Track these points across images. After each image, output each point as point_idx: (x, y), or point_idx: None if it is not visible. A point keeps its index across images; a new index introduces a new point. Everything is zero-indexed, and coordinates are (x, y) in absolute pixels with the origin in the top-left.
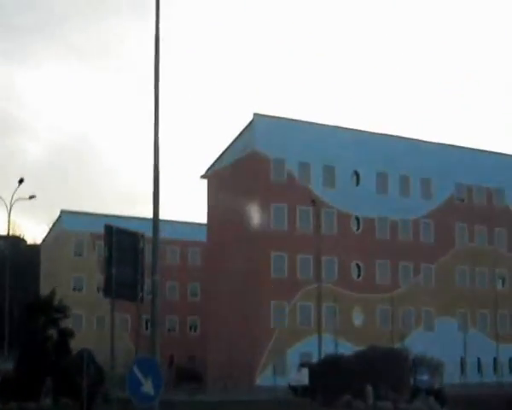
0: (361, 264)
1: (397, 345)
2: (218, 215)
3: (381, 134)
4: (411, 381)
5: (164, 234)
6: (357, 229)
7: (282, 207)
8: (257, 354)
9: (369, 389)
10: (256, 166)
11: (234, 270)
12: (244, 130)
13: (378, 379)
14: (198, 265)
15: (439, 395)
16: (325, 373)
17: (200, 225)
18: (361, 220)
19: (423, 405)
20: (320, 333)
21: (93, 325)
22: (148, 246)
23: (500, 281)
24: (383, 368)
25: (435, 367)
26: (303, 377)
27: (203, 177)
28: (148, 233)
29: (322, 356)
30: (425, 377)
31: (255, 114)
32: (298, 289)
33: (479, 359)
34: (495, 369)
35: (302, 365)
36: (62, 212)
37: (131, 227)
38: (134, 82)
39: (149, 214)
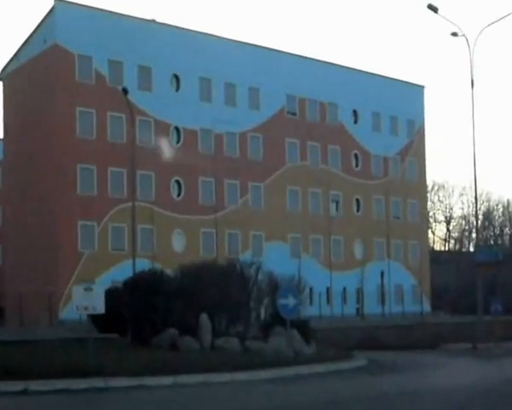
0: (182, 181)
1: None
2: (16, 125)
3: (205, 33)
4: (264, 309)
5: None
6: (178, 141)
7: (90, 112)
8: (62, 283)
9: (205, 320)
10: (58, 63)
11: (36, 187)
12: (44, 19)
13: (215, 308)
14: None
15: (304, 328)
16: (136, 298)
17: None
18: (181, 132)
19: (283, 341)
20: (134, 258)
21: None
22: None
23: (334, 204)
24: (222, 292)
25: (300, 291)
26: (95, 303)
27: None
28: None
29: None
30: (287, 304)
31: (56, 1)
32: (109, 208)
33: (311, 289)
34: (328, 299)
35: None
36: None
37: None
38: None
39: None
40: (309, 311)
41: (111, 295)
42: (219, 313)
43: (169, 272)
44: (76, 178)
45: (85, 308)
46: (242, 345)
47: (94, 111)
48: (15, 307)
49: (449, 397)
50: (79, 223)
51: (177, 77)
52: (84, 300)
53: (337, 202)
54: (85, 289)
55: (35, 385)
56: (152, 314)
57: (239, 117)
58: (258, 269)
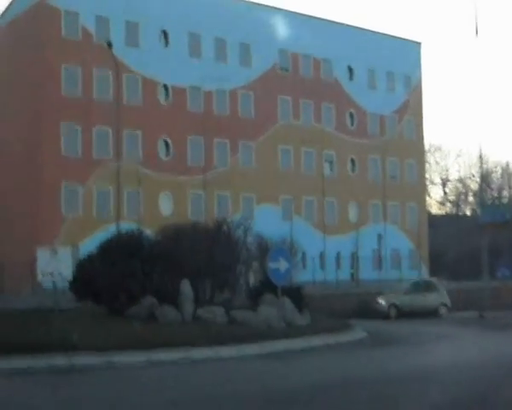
0: (170, 141)
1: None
2: (2, 82)
3: None
4: (253, 275)
5: None
6: (166, 99)
7: (76, 68)
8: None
9: (187, 288)
10: (45, 20)
11: (19, 148)
12: None
13: (199, 273)
14: None
15: (297, 295)
16: (111, 264)
17: None
18: (170, 89)
19: (273, 311)
20: (119, 222)
21: None
22: None
23: (328, 164)
24: (207, 256)
25: (293, 255)
26: (61, 268)
27: None
28: None
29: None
30: (278, 269)
31: None
32: (94, 169)
33: (304, 253)
34: (321, 264)
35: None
36: None
37: None
38: None
39: None
40: (301, 277)
41: (87, 260)
42: (203, 280)
43: (151, 234)
44: (59, 137)
45: (51, 274)
46: (228, 315)
47: (80, 68)
48: None
49: (466, 376)
50: (63, 185)
51: (165, 33)
52: (50, 265)
53: (331, 162)
54: (51, 253)
55: None
56: (128, 281)
57: (229, 74)
58: (246, 230)
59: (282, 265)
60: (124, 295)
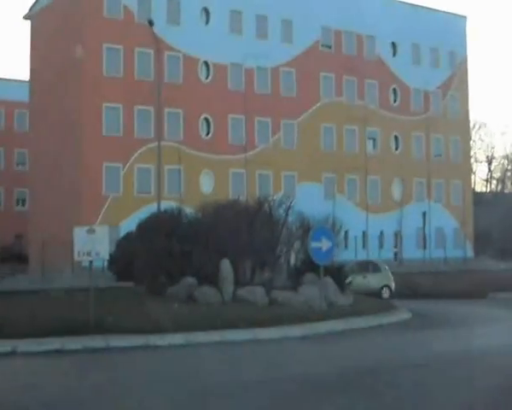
0: (210, 119)
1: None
2: (43, 65)
3: None
4: (295, 255)
5: None
6: (207, 77)
7: (117, 48)
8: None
9: (227, 267)
10: (87, 1)
11: (61, 129)
12: None
13: (239, 253)
14: (26, 129)
15: (339, 275)
16: (150, 243)
17: (25, 82)
18: (211, 67)
19: (315, 291)
20: (160, 201)
21: None
22: None
23: (371, 142)
24: (247, 235)
25: (335, 234)
26: (98, 248)
27: (26, 17)
28: None
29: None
30: (320, 248)
31: None
32: (135, 149)
33: (346, 232)
34: (364, 243)
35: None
36: None
37: None
38: None
39: None
40: (344, 256)
41: (127, 239)
42: (243, 259)
43: (191, 213)
44: (101, 117)
45: (88, 254)
46: (268, 296)
47: (121, 48)
48: (39, 255)
49: None
50: (104, 165)
51: (206, 10)
52: (87, 245)
53: (374, 140)
54: (88, 232)
55: (24, 345)
56: (167, 261)
57: (271, 51)
58: (288, 209)
59: (325, 244)
60: (163, 275)
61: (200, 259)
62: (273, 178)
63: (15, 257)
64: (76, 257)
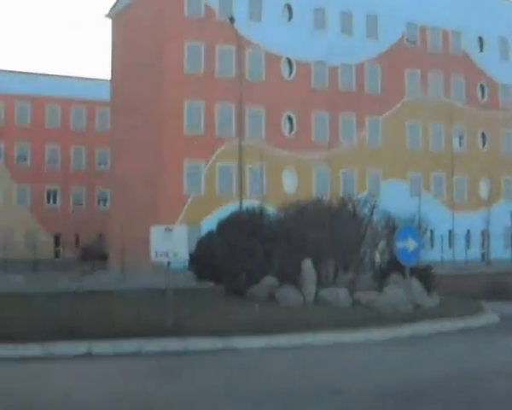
0: (293, 117)
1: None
2: (124, 64)
3: None
4: (379, 255)
5: (65, 92)
6: (290, 74)
7: (198, 46)
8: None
9: (309, 268)
10: None
11: (142, 127)
12: None
13: (321, 253)
14: (107, 128)
15: (425, 276)
16: (229, 242)
17: (107, 81)
18: (294, 64)
19: (400, 292)
20: (241, 199)
21: None
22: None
23: (457, 139)
24: (330, 234)
25: (422, 234)
26: (176, 247)
27: (108, 16)
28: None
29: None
30: (406, 248)
31: None
32: (217, 147)
33: (432, 231)
34: (450, 243)
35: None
36: None
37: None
38: None
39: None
40: (429, 255)
41: (207, 239)
42: (325, 259)
43: (273, 212)
44: (182, 114)
45: (165, 254)
46: (352, 297)
47: (202, 45)
48: (119, 253)
49: None
50: (185, 163)
51: (289, 6)
52: (164, 244)
53: (460, 137)
54: (165, 231)
55: (99, 347)
56: (248, 261)
57: (355, 47)
58: (372, 208)
59: (411, 244)
60: (243, 275)
61: (281, 258)
62: (357, 176)
63: (96, 256)
64: (153, 257)
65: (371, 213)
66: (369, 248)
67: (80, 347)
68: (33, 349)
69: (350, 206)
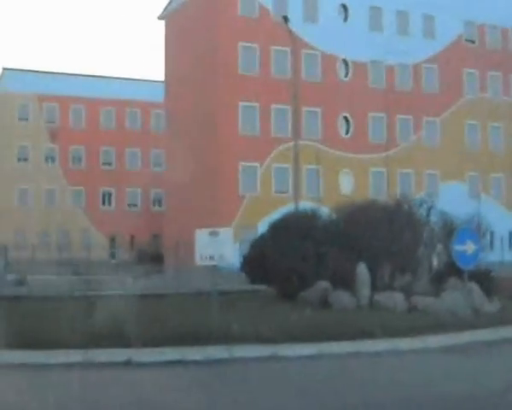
0: (350, 118)
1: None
2: (178, 65)
3: None
4: (437, 258)
5: (120, 94)
6: (346, 75)
7: (253, 47)
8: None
9: (363, 271)
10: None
11: (197, 128)
12: None
13: (376, 256)
14: (162, 129)
15: (486, 280)
16: (282, 244)
17: (161, 82)
18: (350, 64)
19: (459, 297)
20: (297, 200)
21: (41, 199)
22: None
23: None
24: (385, 237)
25: (481, 236)
26: (222, 250)
27: (161, 17)
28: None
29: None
30: (465, 251)
31: None
32: (272, 148)
33: (492, 233)
34: (510, 244)
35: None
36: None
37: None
38: None
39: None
40: (488, 258)
41: (260, 241)
42: (381, 263)
43: (327, 213)
44: (237, 117)
45: (211, 258)
46: (408, 302)
47: (257, 46)
48: (174, 255)
49: None
50: (241, 165)
51: (344, 6)
52: (210, 247)
53: None
54: (210, 234)
55: (140, 355)
56: (301, 264)
57: (412, 47)
58: (429, 209)
59: (470, 247)
60: (296, 278)
61: (335, 262)
62: (415, 177)
63: (152, 257)
64: (198, 261)
65: (428, 215)
66: (426, 251)
67: (120, 355)
68: (75, 356)
69: (406, 207)
